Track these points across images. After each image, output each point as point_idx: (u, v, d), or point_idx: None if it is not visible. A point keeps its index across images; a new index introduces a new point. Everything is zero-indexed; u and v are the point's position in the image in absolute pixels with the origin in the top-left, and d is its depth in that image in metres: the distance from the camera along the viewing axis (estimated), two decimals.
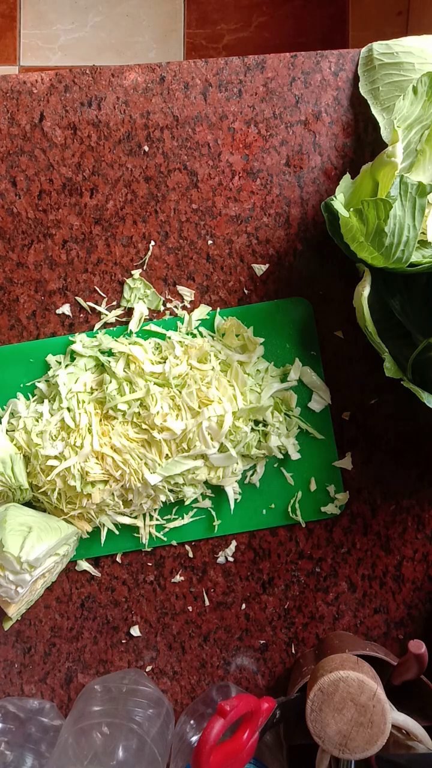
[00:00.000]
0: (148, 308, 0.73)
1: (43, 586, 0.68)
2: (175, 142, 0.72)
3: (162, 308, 0.73)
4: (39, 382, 0.72)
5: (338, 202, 0.63)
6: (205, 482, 0.70)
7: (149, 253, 0.73)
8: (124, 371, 0.68)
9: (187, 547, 0.72)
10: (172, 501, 0.70)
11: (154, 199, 0.72)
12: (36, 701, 0.71)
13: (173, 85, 0.72)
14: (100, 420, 0.68)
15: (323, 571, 0.72)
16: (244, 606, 0.72)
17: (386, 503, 0.72)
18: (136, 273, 0.72)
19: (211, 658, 0.72)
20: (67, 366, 0.70)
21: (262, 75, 0.72)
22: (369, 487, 0.72)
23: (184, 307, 0.73)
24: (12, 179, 0.72)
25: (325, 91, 0.72)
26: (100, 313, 0.73)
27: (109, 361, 0.69)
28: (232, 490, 0.71)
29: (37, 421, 0.69)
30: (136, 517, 0.71)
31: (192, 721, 0.67)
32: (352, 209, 0.58)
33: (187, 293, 0.72)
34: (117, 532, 0.71)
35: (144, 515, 0.71)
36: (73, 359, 0.71)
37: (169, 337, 0.70)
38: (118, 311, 0.73)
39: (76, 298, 0.73)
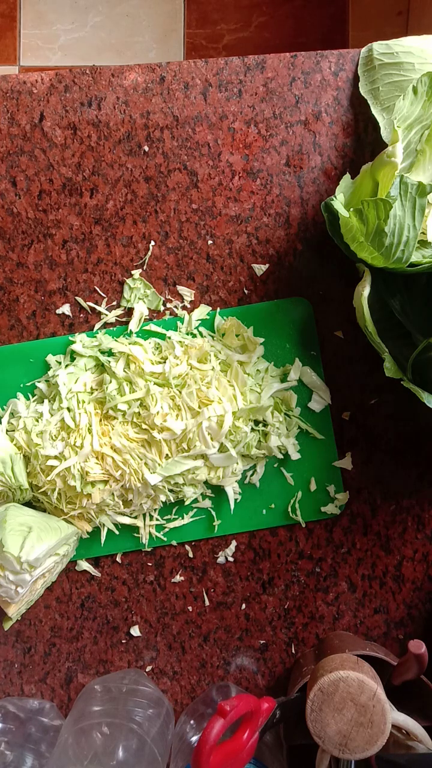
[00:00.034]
0: (148, 308, 0.73)
1: (43, 586, 0.68)
2: (175, 142, 0.72)
3: (162, 308, 0.73)
4: (39, 382, 0.72)
5: (338, 202, 0.63)
6: (205, 482, 0.70)
7: (149, 253, 0.73)
8: (124, 371, 0.68)
9: (187, 547, 0.72)
10: (172, 501, 0.70)
11: (154, 199, 0.72)
12: (36, 701, 0.71)
13: (173, 85, 0.72)
14: (100, 420, 0.68)
15: (323, 571, 0.72)
16: (244, 606, 0.72)
17: (386, 503, 0.72)
18: (136, 273, 0.72)
19: (211, 658, 0.72)
20: (67, 366, 0.70)
21: (262, 75, 0.72)
22: (369, 487, 0.72)
23: (184, 307, 0.73)
24: (12, 179, 0.72)
25: (325, 91, 0.72)
26: (100, 313, 0.73)
27: (109, 361, 0.69)
28: (232, 490, 0.71)
29: (37, 421, 0.69)
30: (136, 517, 0.71)
31: (192, 721, 0.67)
32: (352, 209, 0.58)
33: (187, 293, 0.72)
34: (117, 532, 0.71)
35: (144, 515, 0.71)
36: (73, 359, 0.71)
37: (169, 337, 0.70)
38: (118, 311, 0.73)
39: (76, 298, 0.73)
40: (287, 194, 0.73)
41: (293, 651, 0.72)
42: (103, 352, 0.71)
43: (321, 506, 0.72)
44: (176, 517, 0.72)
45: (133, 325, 0.72)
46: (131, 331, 0.71)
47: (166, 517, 0.72)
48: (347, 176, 0.67)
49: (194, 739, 0.66)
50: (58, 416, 0.68)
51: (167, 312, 0.73)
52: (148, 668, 0.72)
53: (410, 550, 0.72)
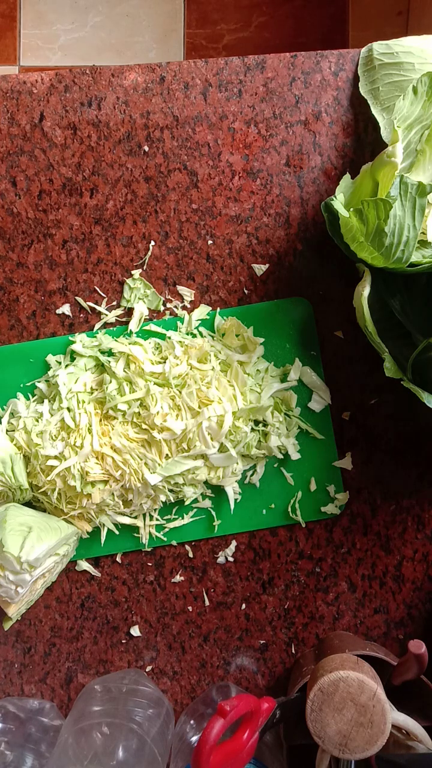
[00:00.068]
0: (148, 308, 0.73)
1: (43, 586, 0.68)
2: (175, 142, 0.72)
3: (162, 308, 0.73)
4: (39, 382, 0.72)
5: (338, 202, 0.63)
6: (205, 482, 0.70)
7: (149, 253, 0.73)
8: (124, 371, 0.68)
9: (187, 547, 0.72)
10: (172, 501, 0.70)
11: (154, 199, 0.72)
12: (36, 701, 0.71)
13: (173, 85, 0.72)
14: (100, 420, 0.68)
15: (323, 571, 0.72)
16: (244, 606, 0.72)
17: (386, 503, 0.72)
18: (136, 273, 0.72)
19: (211, 658, 0.72)
20: (67, 366, 0.70)
21: (262, 75, 0.72)
22: (369, 487, 0.72)
23: (184, 307, 0.73)
24: (12, 179, 0.72)
25: (325, 91, 0.72)
26: (100, 313, 0.73)
27: (109, 361, 0.69)
28: (232, 490, 0.71)
29: (37, 421, 0.69)
30: (136, 517, 0.71)
31: (192, 721, 0.67)
32: (352, 209, 0.58)
33: (187, 293, 0.72)
34: (117, 532, 0.71)
35: (144, 515, 0.71)
36: (73, 359, 0.71)
37: (169, 337, 0.70)
38: (118, 311, 0.73)
39: (76, 298, 0.73)
40: (287, 194, 0.73)
41: (293, 651, 0.72)
42: (103, 352, 0.71)
43: (321, 506, 0.72)
44: (176, 517, 0.72)
45: (133, 325, 0.72)
46: (131, 331, 0.71)
47: (166, 517, 0.72)
48: (347, 176, 0.67)
49: (194, 739, 0.66)
50: (58, 416, 0.68)
51: (167, 312, 0.73)
52: (148, 668, 0.72)
53: (410, 550, 0.72)
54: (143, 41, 1.70)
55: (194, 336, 0.72)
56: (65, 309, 0.73)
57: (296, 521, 0.72)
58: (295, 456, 0.71)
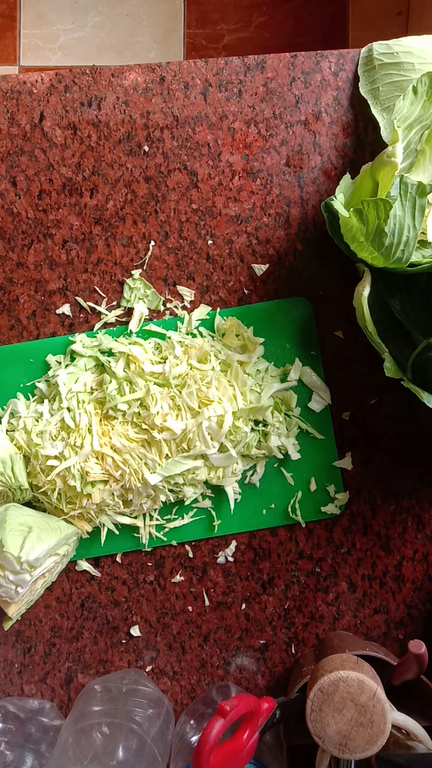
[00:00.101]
0: (148, 308, 0.73)
1: (43, 586, 0.68)
2: (175, 142, 0.72)
3: (162, 308, 0.73)
4: (39, 382, 0.72)
5: (338, 202, 0.63)
6: (205, 482, 0.70)
7: (149, 253, 0.73)
8: (124, 371, 0.68)
9: (187, 547, 0.72)
10: (172, 501, 0.70)
11: (154, 199, 0.72)
12: (36, 701, 0.71)
13: (173, 85, 0.72)
14: (100, 420, 0.68)
15: (323, 571, 0.72)
16: (244, 606, 0.72)
17: (386, 503, 0.72)
18: (136, 273, 0.72)
19: (211, 658, 0.72)
20: (67, 366, 0.70)
21: (262, 75, 0.72)
22: (369, 487, 0.72)
23: (184, 307, 0.73)
24: (12, 179, 0.72)
25: (325, 91, 0.72)
26: (100, 313, 0.73)
27: (109, 361, 0.69)
28: (232, 490, 0.71)
29: (37, 421, 0.69)
30: (136, 517, 0.71)
31: (192, 721, 0.67)
32: (352, 209, 0.58)
33: (187, 293, 0.72)
34: (117, 532, 0.71)
35: (144, 515, 0.71)
36: (73, 359, 0.71)
37: (169, 337, 0.70)
38: (118, 311, 0.73)
39: (76, 298, 0.73)
40: (287, 194, 0.73)
41: (293, 651, 0.72)
42: (103, 352, 0.71)
43: (321, 506, 0.72)
44: (176, 517, 0.72)
45: (133, 325, 0.72)
46: (131, 331, 0.71)
47: (166, 517, 0.72)
48: (347, 176, 0.67)
49: (194, 739, 0.66)
50: (58, 416, 0.68)
51: (167, 312, 0.73)
52: (148, 668, 0.72)
53: (410, 550, 0.72)
54: (143, 41, 1.70)
55: (194, 336, 0.72)
56: (65, 309, 0.73)
57: (296, 521, 0.72)
58: (295, 456, 0.71)
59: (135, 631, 0.72)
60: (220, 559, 0.72)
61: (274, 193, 0.73)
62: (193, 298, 0.73)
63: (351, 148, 0.73)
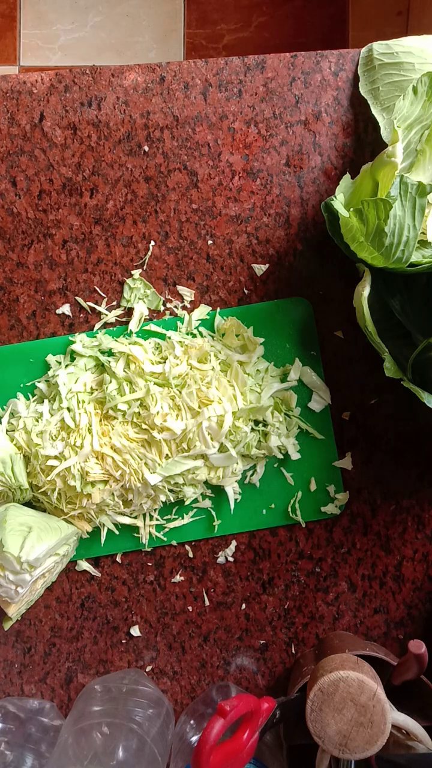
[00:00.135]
0: (148, 308, 0.73)
1: (43, 586, 0.68)
2: (175, 142, 0.72)
3: (162, 308, 0.73)
4: (39, 382, 0.72)
5: (338, 202, 0.63)
6: (205, 482, 0.70)
7: (149, 253, 0.73)
8: (124, 371, 0.68)
9: (187, 547, 0.72)
10: (172, 501, 0.70)
11: (154, 199, 0.72)
12: (36, 701, 0.71)
13: (173, 85, 0.72)
14: (100, 420, 0.68)
15: (323, 571, 0.72)
16: (244, 606, 0.72)
17: (386, 503, 0.72)
18: (136, 273, 0.72)
19: (211, 658, 0.72)
20: (67, 366, 0.70)
21: (262, 75, 0.72)
22: (369, 487, 0.72)
23: (184, 307, 0.73)
24: (12, 179, 0.72)
25: (325, 91, 0.72)
26: (100, 313, 0.73)
27: (109, 361, 0.69)
28: (232, 490, 0.71)
29: (37, 421, 0.69)
30: (136, 517, 0.71)
31: (192, 721, 0.67)
32: (352, 209, 0.58)
33: (187, 293, 0.72)
34: (117, 532, 0.71)
35: (144, 515, 0.71)
36: (73, 359, 0.71)
37: (169, 337, 0.70)
38: (118, 311, 0.73)
39: (76, 298, 0.73)
40: (287, 194, 0.73)
41: (293, 651, 0.72)
42: (103, 352, 0.71)
43: (321, 506, 0.72)
44: (176, 517, 0.72)
45: (133, 325, 0.72)
46: (131, 331, 0.71)
47: (166, 517, 0.72)
48: (347, 176, 0.67)
49: (194, 739, 0.66)
50: (58, 416, 0.68)
51: (167, 312, 0.73)
52: (148, 668, 0.72)
53: (410, 550, 0.72)
54: (143, 41, 1.70)
55: (194, 336, 0.72)
56: (65, 309, 0.73)
57: (296, 521, 0.72)
58: (295, 456, 0.71)
59: (135, 631, 0.72)
60: (220, 559, 0.72)
61: (274, 193, 0.73)
62: (193, 298, 0.73)
63: (351, 148, 0.73)
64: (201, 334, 0.72)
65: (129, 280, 0.72)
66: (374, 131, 0.72)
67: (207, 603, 0.72)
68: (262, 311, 0.72)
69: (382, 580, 0.72)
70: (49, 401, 0.70)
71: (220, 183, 0.72)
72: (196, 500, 0.71)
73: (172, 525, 0.71)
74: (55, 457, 0.67)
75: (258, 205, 0.72)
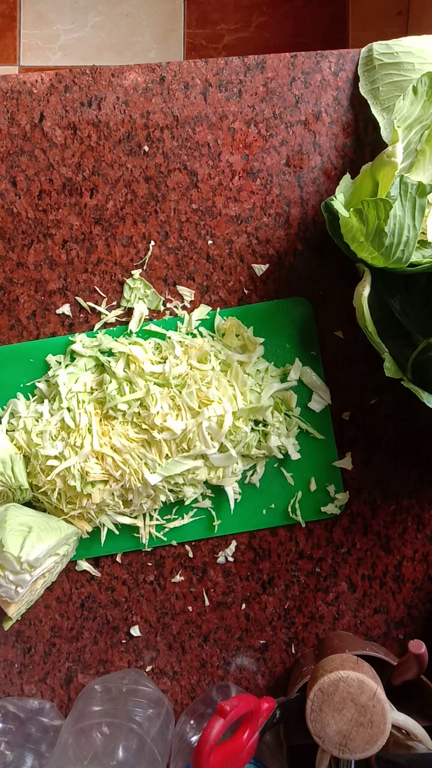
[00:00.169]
0: (148, 308, 0.73)
1: (43, 586, 0.68)
2: (175, 142, 0.72)
3: (162, 308, 0.73)
4: (39, 382, 0.72)
5: (338, 202, 0.63)
6: (205, 482, 0.70)
7: (149, 253, 0.73)
8: (124, 371, 0.68)
9: (187, 547, 0.72)
10: (172, 501, 0.70)
11: (154, 199, 0.72)
12: (36, 701, 0.71)
13: (173, 85, 0.72)
14: (100, 420, 0.68)
15: (323, 571, 0.72)
16: (244, 606, 0.72)
17: (386, 503, 0.72)
18: (136, 273, 0.72)
19: (211, 658, 0.72)
20: (67, 366, 0.70)
21: (262, 75, 0.72)
22: (369, 487, 0.72)
23: (184, 307, 0.73)
24: (12, 179, 0.72)
25: (325, 91, 0.72)
26: (100, 313, 0.73)
27: (109, 361, 0.69)
28: (232, 490, 0.71)
29: (37, 421, 0.69)
30: (136, 517, 0.71)
31: (192, 721, 0.67)
32: (352, 209, 0.58)
33: (187, 293, 0.72)
34: (117, 532, 0.71)
35: (144, 515, 0.71)
36: (73, 359, 0.71)
37: (169, 337, 0.70)
38: (118, 311, 0.73)
39: (76, 298, 0.73)
40: (287, 194, 0.73)
41: (293, 651, 0.72)
42: (103, 352, 0.71)
43: (321, 506, 0.72)
44: (176, 517, 0.72)
45: (133, 325, 0.72)
46: (131, 331, 0.71)
47: (166, 517, 0.72)
48: (347, 176, 0.67)
49: (194, 739, 0.66)
50: (58, 416, 0.68)
51: (167, 312, 0.73)
52: (148, 668, 0.72)
53: (410, 550, 0.72)
54: (143, 41, 1.70)
55: (194, 336, 0.72)
56: (65, 309, 0.73)
57: (296, 521, 0.72)
58: (295, 456, 0.71)
59: (135, 631, 0.72)
60: (220, 559, 0.72)
61: (274, 193, 0.73)
62: (193, 298, 0.73)
63: (351, 148, 0.73)
64: (201, 334, 0.72)
65: (129, 280, 0.72)
66: (374, 131, 0.72)
67: (207, 603, 0.72)
68: (262, 311, 0.72)
69: (382, 580, 0.72)
70: (49, 401, 0.70)
71: (220, 183, 0.72)
72: (196, 500, 0.71)
73: (172, 525, 0.71)
74: (55, 457, 0.67)
75: (258, 205, 0.72)
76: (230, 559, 0.72)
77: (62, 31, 1.69)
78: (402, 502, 0.72)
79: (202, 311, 0.72)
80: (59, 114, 0.72)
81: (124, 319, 0.73)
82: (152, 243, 0.72)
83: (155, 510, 0.71)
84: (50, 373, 0.71)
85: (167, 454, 0.67)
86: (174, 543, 0.72)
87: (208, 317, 0.72)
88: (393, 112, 0.62)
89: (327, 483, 0.72)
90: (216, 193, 0.72)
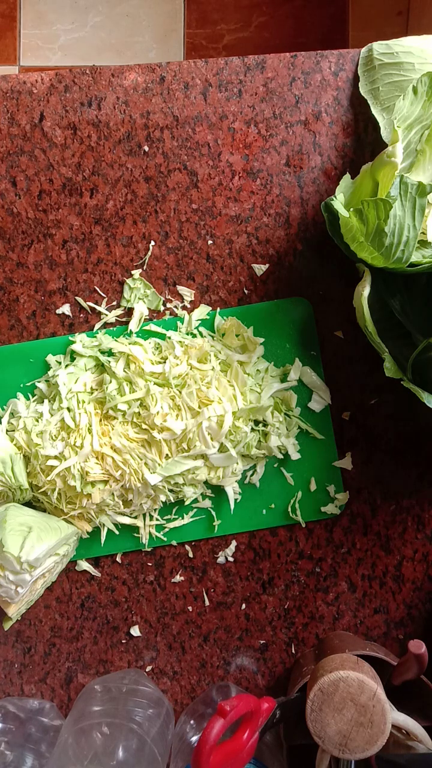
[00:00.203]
0: (148, 308, 0.73)
1: (43, 586, 0.68)
2: (175, 142, 0.72)
3: (162, 308, 0.73)
4: (39, 382, 0.72)
5: (338, 202, 0.63)
6: (205, 482, 0.70)
7: (149, 253, 0.73)
8: (124, 371, 0.68)
9: (187, 547, 0.72)
10: (172, 501, 0.70)
11: (154, 199, 0.72)
12: (36, 701, 0.71)
13: (173, 85, 0.72)
14: (100, 420, 0.68)
15: (323, 571, 0.72)
16: (244, 606, 0.72)
17: (386, 503, 0.72)
18: (136, 273, 0.72)
19: (211, 658, 0.72)
20: (67, 366, 0.70)
21: (262, 75, 0.72)
22: (369, 487, 0.72)
23: (184, 307, 0.73)
24: (12, 179, 0.72)
25: (325, 91, 0.72)
26: (100, 313, 0.73)
27: (109, 361, 0.69)
28: (232, 490, 0.71)
29: (37, 421, 0.69)
30: (136, 517, 0.71)
31: (192, 721, 0.67)
32: (352, 209, 0.58)
33: (187, 293, 0.72)
34: (117, 532, 0.71)
35: (144, 515, 0.71)
36: (73, 359, 0.71)
37: (169, 337, 0.70)
38: (118, 311, 0.73)
39: (76, 298, 0.73)
40: (287, 194, 0.73)
41: (293, 651, 0.72)
42: (103, 352, 0.71)
43: (321, 506, 0.72)
44: (176, 517, 0.72)
45: (133, 325, 0.72)
46: (131, 331, 0.71)
47: (166, 517, 0.72)
48: (347, 176, 0.67)
49: (194, 739, 0.66)
50: (58, 416, 0.68)
51: (167, 312, 0.73)
52: (148, 668, 0.72)
53: (410, 550, 0.72)
54: (143, 41, 1.70)
55: (194, 336, 0.72)
56: (65, 309, 0.73)
57: (296, 521, 0.72)
58: (295, 456, 0.71)
59: (135, 631, 0.72)
60: (220, 559, 0.72)
61: (274, 193, 0.73)
62: (193, 298, 0.73)
63: (351, 148, 0.73)
64: (201, 334, 0.72)
65: (129, 280, 0.72)
66: (374, 131, 0.72)
67: (207, 603, 0.72)
68: (262, 311, 0.72)
69: (382, 580, 0.72)
70: (49, 401, 0.70)
71: (220, 183, 0.72)
72: (196, 500, 0.71)
73: (172, 525, 0.71)
74: (55, 457, 0.67)
75: (258, 205, 0.72)
76: (230, 559, 0.72)
77: (62, 31, 1.69)
78: (402, 502, 0.72)
79: (202, 311, 0.72)
80: (59, 114, 0.72)
81: (124, 319, 0.73)
82: (152, 243, 0.72)
83: (155, 510, 0.71)
84: (50, 373, 0.71)
85: (167, 454, 0.67)
86: (174, 543, 0.72)
87: (208, 317, 0.72)
88: (393, 112, 0.62)
89: (327, 483, 0.72)
90: (216, 193, 0.72)
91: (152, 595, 0.72)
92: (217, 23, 1.69)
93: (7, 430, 0.70)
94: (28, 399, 0.72)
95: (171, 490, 0.69)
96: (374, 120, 0.70)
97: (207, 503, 0.71)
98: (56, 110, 0.72)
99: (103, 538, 0.71)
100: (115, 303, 0.73)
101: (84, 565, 0.72)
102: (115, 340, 0.71)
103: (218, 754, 0.52)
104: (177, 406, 0.67)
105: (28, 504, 0.71)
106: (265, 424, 0.70)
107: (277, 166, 0.72)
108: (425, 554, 0.72)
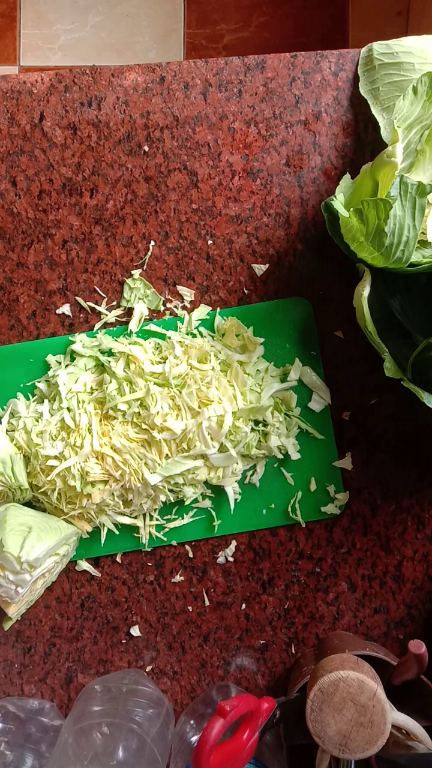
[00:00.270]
0: (148, 308, 0.73)
1: (43, 586, 0.68)
2: (175, 142, 0.72)
3: (162, 308, 0.73)
4: (39, 382, 0.72)
5: (338, 202, 0.63)
6: (205, 482, 0.70)
7: (149, 253, 0.73)
8: (124, 371, 0.68)
9: (187, 547, 0.72)
10: (172, 501, 0.70)
11: (154, 199, 0.72)
12: (36, 701, 0.71)
13: (173, 85, 0.72)
14: (100, 420, 0.68)
15: (323, 571, 0.72)
16: (244, 606, 0.72)
17: (386, 503, 0.72)
18: (136, 273, 0.72)
19: (211, 658, 0.72)
20: (67, 366, 0.70)
21: (262, 75, 0.72)
22: (369, 487, 0.72)
23: (184, 307, 0.73)
24: (12, 179, 0.72)
25: (325, 91, 0.72)
26: (100, 313, 0.73)
27: (109, 361, 0.69)
28: (232, 490, 0.71)
29: (37, 421, 0.69)
30: (136, 517, 0.71)
31: (192, 721, 0.67)
32: (352, 209, 0.58)
33: (187, 293, 0.72)
34: (117, 532, 0.71)
35: (144, 515, 0.71)
36: (73, 359, 0.71)
37: (169, 337, 0.70)
38: (118, 311, 0.73)
39: (76, 298, 0.73)
40: (287, 194, 0.73)
41: (293, 651, 0.72)
42: (103, 352, 0.71)
43: (321, 506, 0.72)
44: (176, 517, 0.72)
45: (133, 325, 0.72)
46: (131, 331, 0.71)
47: (166, 517, 0.72)
48: (347, 176, 0.67)
49: (194, 739, 0.66)
50: (58, 416, 0.68)
51: (167, 312, 0.73)
52: (148, 668, 0.72)
53: (410, 550, 0.72)
54: (143, 41, 1.70)
55: (194, 336, 0.72)
56: (65, 309, 0.73)
57: (296, 521, 0.72)
58: (295, 456, 0.71)
59: (135, 631, 0.72)
60: (220, 559, 0.72)
61: (274, 193, 0.73)
62: (193, 298, 0.73)
63: (351, 148, 0.73)
64: (201, 334, 0.72)
65: (129, 280, 0.72)
66: (374, 131, 0.72)
67: (207, 603, 0.72)
68: (262, 311, 0.72)
69: (382, 580, 0.72)
70: (49, 401, 0.70)
71: (220, 183, 0.72)
72: (196, 500, 0.71)
73: (172, 525, 0.71)
74: (55, 457, 0.67)
75: (258, 205, 0.72)
76: (230, 559, 0.72)
77: (62, 31, 1.69)
78: (402, 502, 0.72)
79: (202, 311, 0.72)
80: (59, 114, 0.72)
81: (124, 319, 0.73)
82: (152, 243, 0.72)
83: (155, 510, 0.71)
84: (50, 373, 0.71)
85: (167, 454, 0.67)
86: (174, 543, 0.72)
87: (208, 317, 0.72)
88: (393, 112, 0.62)
89: (327, 483, 0.72)
90: (216, 193, 0.72)
91: (152, 595, 0.72)
92: (217, 23, 1.69)
93: (7, 430, 0.70)
94: (28, 399, 0.72)
95: (171, 490, 0.69)
96: (374, 120, 0.70)
97: (207, 503, 0.71)
98: (56, 110, 0.72)
99: (103, 538, 0.71)
100: (115, 303, 0.73)
101: (84, 565, 0.72)
102: (115, 340, 0.71)
103: (218, 754, 0.52)
104: (177, 406, 0.67)
105: (28, 504, 0.71)
106: (265, 424, 0.70)
107: (277, 166, 0.72)
108: (425, 554, 0.72)
